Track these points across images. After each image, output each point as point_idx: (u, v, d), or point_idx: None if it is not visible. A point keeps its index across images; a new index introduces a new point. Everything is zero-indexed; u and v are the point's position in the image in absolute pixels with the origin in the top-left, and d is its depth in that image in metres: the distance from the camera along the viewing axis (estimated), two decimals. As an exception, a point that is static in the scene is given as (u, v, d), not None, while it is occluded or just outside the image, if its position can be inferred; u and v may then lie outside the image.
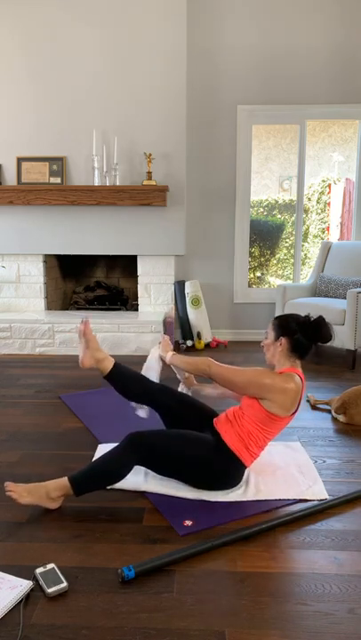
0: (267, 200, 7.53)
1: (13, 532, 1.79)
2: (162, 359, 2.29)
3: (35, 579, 1.54)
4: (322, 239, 7.68)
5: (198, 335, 4.59)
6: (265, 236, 7.27)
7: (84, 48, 4.34)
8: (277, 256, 7.34)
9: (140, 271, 4.67)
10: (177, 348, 4.65)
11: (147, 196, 4.34)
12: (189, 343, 4.60)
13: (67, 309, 5.08)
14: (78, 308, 5.01)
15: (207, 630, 1.36)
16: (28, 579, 1.54)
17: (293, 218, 7.06)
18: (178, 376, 2.40)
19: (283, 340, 2.05)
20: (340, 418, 2.85)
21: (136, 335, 4.33)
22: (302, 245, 6.69)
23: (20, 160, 4.47)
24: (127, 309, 5.05)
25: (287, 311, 4.24)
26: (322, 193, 7.69)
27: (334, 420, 2.90)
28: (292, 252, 7.18)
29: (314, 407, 3.10)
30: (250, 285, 7.13)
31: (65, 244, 4.59)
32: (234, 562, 1.64)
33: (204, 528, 1.81)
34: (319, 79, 4.57)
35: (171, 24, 4.28)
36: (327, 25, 4.48)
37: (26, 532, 1.79)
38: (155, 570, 1.58)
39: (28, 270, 4.68)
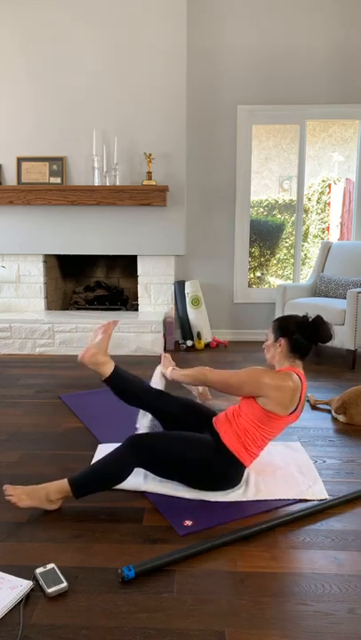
0: (267, 200, 7.53)
1: (13, 532, 1.79)
2: (164, 375, 2.30)
3: (35, 579, 1.54)
4: (322, 239, 7.68)
5: (198, 335, 4.59)
6: (265, 236, 7.27)
7: (84, 48, 4.34)
8: (277, 256, 7.34)
9: (140, 271, 4.67)
10: (177, 348, 4.65)
11: (147, 195, 4.34)
12: (189, 343, 4.60)
13: (67, 309, 5.08)
14: (78, 308, 5.01)
15: (207, 630, 1.36)
16: (28, 579, 1.54)
17: (293, 218, 7.06)
18: (193, 392, 2.43)
19: (282, 340, 2.06)
20: (340, 418, 2.85)
21: (136, 335, 4.33)
22: (302, 245, 6.69)
23: (20, 160, 4.47)
24: (127, 309, 5.05)
25: (287, 311, 4.24)
26: (322, 193, 7.69)
27: (334, 419, 2.90)
28: (292, 251, 7.18)
29: (314, 407, 3.10)
30: (250, 285, 7.13)
31: (65, 244, 4.59)
32: (234, 562, 1.64)
33: (204, 528, 1.81)
34: (319, 79, 4.57)
35: (171, 24, 4.28)
36: (327, 25, 4.48)
37: (26, 532, 1.79)
38: (155, 570, 1.58)
39: (28, 270, 4.68)
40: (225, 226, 4.83)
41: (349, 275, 4.36)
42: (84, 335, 4.33)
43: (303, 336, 2.04)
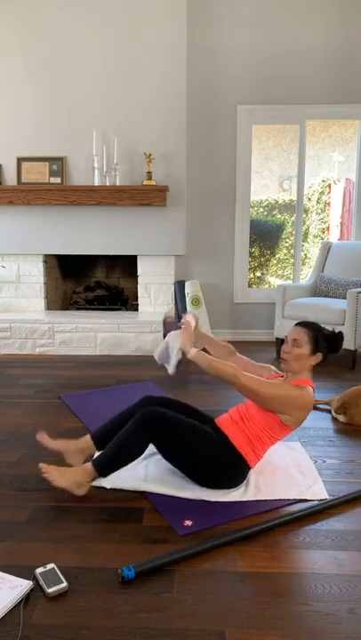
0: (267, 200, 7.53)
1: (13, 532, 1.79)
2: (183, 352, 2.08)
3: (35, 579, 1.54)
4: (322, 239, 7.68)
5: (198, 335, 4.59)
6: (265, 236, 7.27)
7: (84, 48, 4.34)
8: (277, 256, 7.34)
9: (140, 271, 4.67)
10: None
11: (147, 195, 4.34)
12: (189, 343, 4.59)
13: (67, 309, 5.08)
14: (78, 308, 5.01)
15: (207, 630, 1.36)
16: (28, 579, 1.54)
17: (293, 218, 7.06)
18: (171, 354, 2.17)
19: (320, 355, 2.06)
20: (340, 418, 2.85)
21: (136, 335, 4.33)
22: (302, 245, 6.69)
23: (20, 160, 4.47)
24: (127, 309, 5.05)
25: (287, 311, 4.23)
26: (322, 193, 7.69)
27: (334, 419, 2.90)
28: (292, 251, 7.18)
29: (314, 407, 3.10)
30: (250, 285, 7.13)
31: (65, 243, 4.59)
32: (234, 562, 1.64)
33: (204, 528, 1.81)
34: (319, 79, 4.57)
35: (171, 24, 4.28)
36: (327, 25, 4.48)
37: (26, 532, 1.79)
38: (155, 570, 1.58)
39: (28, 270, 4.68)
40: (225, 226, 4.83)
41: (349, 275, 4.36)
42: (84, 335, 4.33)
43: (328, 350, 2.08)
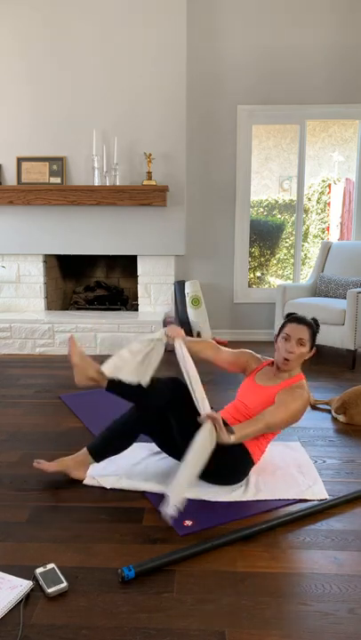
0: (267, 200, 7.53)
1: (13, 532, 1.79)
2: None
3: (35, 579, 1.54)
4: (322, 239, 7.68)
5: (198, 335, 4.59)
6: (265, 236, 7.27)
7: (84, 48, 4.34)
8: (277, 256, 7.34)
9: (140, 271, 4.67)
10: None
11: (147, 195, 4.34)
12: (189, 343, 4.60)
13: (67, 309, 5.08)
14: (78, 308, 5.01)
15: (207, 630, 1.36)
16: (28, 579, 1.54)
17: (293, 218, 7.06)
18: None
19: (314, 349, 2.14)
20: (341, 418, 2.85)
21: (136, 335, 4.33)
22: (302, 245, 6.69)
23: (19, 160, 4.47)
24: (127, 309, 5.05)
25: (287, 311, 4.23)
26: (322, 193, 7.69)
27: (334, 419, 2.90)
28: (292, 251, 7.18)
29: (314, 407, 3.10)
30: (250, 285, 7.13)
31: (65, 243, 4.59)
32: (234, 562, 1.64)
33: (204, 528, 1.81)
34: (319, 79, 4.57)
35: (171, 24, 4.28)
36: (327, 25, 4.48)
37: (26, 532, 1.79)
38: (155, 570, 1.58)
39: (28, 270, 4.68)
40: (225, 226, 4.83)
41: (349, 275, 4.36)
42: (84, 335, 4.33)
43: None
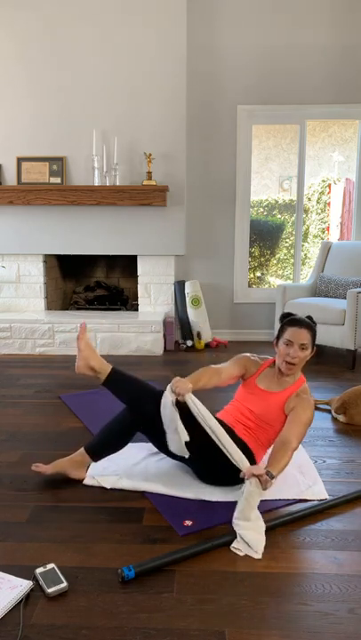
0: (267, 200, 7.53)
1: (13, 532, 1.79)
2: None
3: (35, 579, 1.54)
4: (322, 239, 7.68)
5: (198, 335, 4.59)
6: (265, 236, 7.27)
7: (83, 48, 4.34)
8: (277, 256, 7.34)
9: (140, 271, 4.67)
10: (177, 348, 4.65)
11: (147, 196, 4.34)
12: (189, 343, 4.60)
13: (67, 309, 5.08)
14: (78, 308, 5.01)
15: (207, 630, 1.36)
16: (28, 579, 1.54)
17: (293, 218, 7.06)
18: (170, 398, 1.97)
19: (315, 349, 2.15)
20: (341, 418, 2.85)
21: (136, 335, 4.33)
22: (302, 245, 6.69)
23: (19, 160, 4.47)
24: (127, 309, 5.05)
25: (287, 311, 4.23)
26: (322, 193, 7.69)
27: (334, 419, 2.90)
28: (292, 251, 7.18)
29: (314, 407, 3.09)
30: (250, 285, 7.13)
31: (65, 244, 4.59)
32: (234, 562, 1.64)
33: (204, 528, 1.81)
34: (319, 79, 4.57)
35: (171, 24, 4.28)
36: (327, 25, 4.48)
37: (26, 532, 1.79)
38: (155, 570, 1.58)
39: (28, 270, 4.68)
40: (225, 226, 4.83)
41: (349, 275, 4.36)
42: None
43: None
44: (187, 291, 4.65)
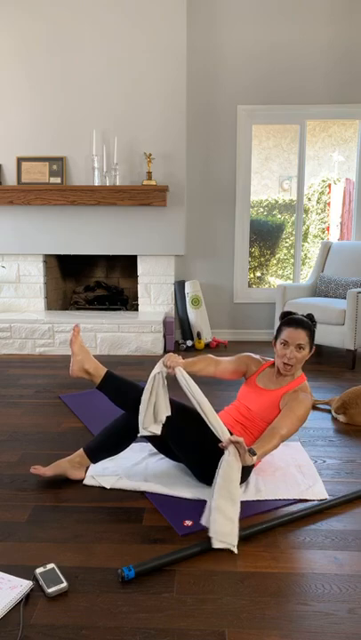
0: (267, 200, 7.53)
1: (13, 532, 1.79)
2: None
3: (35, 579, 1.54)
4: (322, 239, 7.68)
5: (198, 335, 4.59)
6: (265, 236, 7.27)
7: (83, 48, 4.34)
8: (277, 256, 7.34)
9: (140, 271, 4.67)
10: (177, 348, 4.65)
11: (147, 196, 4.34)
12: (189, 343, 4.60)
13: (67, 309, 5.08)
14: (78, 308, 5.01)
15: (207, 630, 1.36)
16: (28, 579, 1.54)
17: (293, 218, 7.06)
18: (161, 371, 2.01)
19: (314, 348, 2.13)
20: (341, 418, 2.85)
21: (136, 335, 4.33)
22: (302, 245, 6.69)
23: (19, 160, 4.47)
24: (127, 309, 5.05)
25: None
26: (322, 193, 7.69)
27: (334, 419, 2.90)
28: (292, 251, 7.18)
29: (314, 407, 3.09)
30: (250, 285, 7.13)
31: (65, 244, 4.59)
32: (234, 562, 1.64)
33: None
34: (319, 79, 4.57)
35: (171, 24, 4.28)
36: (327, 25, 4.48)
37: (26, 532, 1.79)
38: (155, 570, 1.58)
39: (28, 270, 4.68)
40: (225, 226, 4.83)
41: (349, 275, 4.36)
42: (85, 335, 4.33)
43: None
44: (187, 291, 4.65)
